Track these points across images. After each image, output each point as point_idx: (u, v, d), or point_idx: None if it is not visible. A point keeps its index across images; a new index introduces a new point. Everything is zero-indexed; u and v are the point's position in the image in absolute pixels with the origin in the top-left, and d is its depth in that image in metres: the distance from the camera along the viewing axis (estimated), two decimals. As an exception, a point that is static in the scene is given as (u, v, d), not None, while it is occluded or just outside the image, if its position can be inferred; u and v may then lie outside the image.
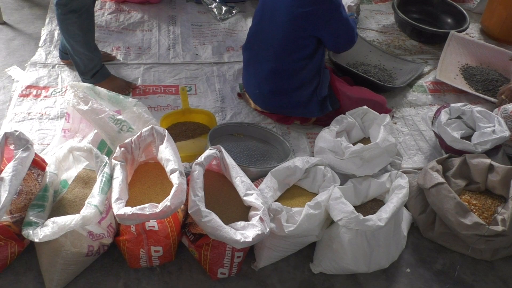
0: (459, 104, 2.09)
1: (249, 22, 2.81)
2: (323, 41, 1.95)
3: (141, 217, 1.32)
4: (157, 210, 1.32)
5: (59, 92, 2.19)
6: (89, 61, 2.11)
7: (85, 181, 1.61)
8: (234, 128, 2.03)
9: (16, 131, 1.52)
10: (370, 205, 1.75)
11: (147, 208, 1.33)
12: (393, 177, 1.74)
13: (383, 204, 1.74)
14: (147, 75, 2.35)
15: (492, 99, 2.37)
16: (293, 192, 1.74)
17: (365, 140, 2.00)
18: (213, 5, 2.87)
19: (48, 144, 1.91)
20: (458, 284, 1.66)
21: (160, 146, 1.54)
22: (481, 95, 2.41)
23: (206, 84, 2.34)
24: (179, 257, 1.59)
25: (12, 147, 1.54)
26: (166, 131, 1.57)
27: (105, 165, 1.50)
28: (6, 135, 1.52)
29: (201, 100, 2.24)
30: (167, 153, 1.49)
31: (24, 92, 2.17)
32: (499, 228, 1.62)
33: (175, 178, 1.42)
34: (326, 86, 2.05)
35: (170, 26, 2.73)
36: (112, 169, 1.51)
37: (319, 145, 1.86)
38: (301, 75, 1.99)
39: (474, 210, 1.75)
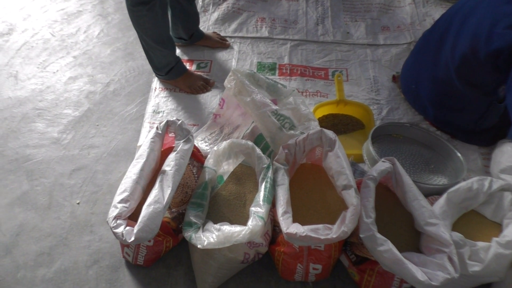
0: None
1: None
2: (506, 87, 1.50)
3: (314, 241, 1.17)
4: (334, 236, 1.16)
5: (204, 67, 2.09)
6: (163, 57, 1.90)
7: (238, 177, 1.50)
8: (394, 128, 1.78)
9: (178, 119, 1.43)
10: None
11: (321, 231, 1.18)
12: None
13: None
14: (294, 54, 2.16)
15: None
16: (470, 219, 1.48)
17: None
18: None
19: (194, 125, 1.83)
20: None
21: (330, 154, 1.36)
22: None
23: (359, 69, 2.09)
24: (334, 275, 1.44)
25: (171, 135, 1.46)
26: (336, 135, 1.39)
27: (268, 167, 1.36)
28: (168, 123, 1.44)
29: (353, 88, 2.00)
30: (338, 164, 1.32)
31: (170, 64, 2.10)
32: None
33: (351, 198, 1.24)
34: (493, 119, 1.69)
35: (318, -4, 2.49)
36: (274, 172, 1.37)
37: (508, 164, 1.55)
38: (465, 99, 1.64)
39: None
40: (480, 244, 1.33)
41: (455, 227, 1.45)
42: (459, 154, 1.68)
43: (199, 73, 2.05)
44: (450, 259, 1.19)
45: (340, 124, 1.84)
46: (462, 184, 1.47)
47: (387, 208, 1.42)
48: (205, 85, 1.99)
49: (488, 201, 1.48)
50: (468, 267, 1.28)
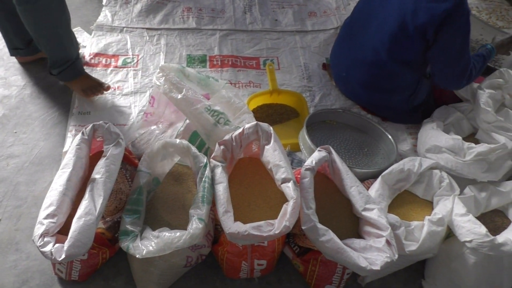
0: None
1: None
2: (429, 58, 1.62)
3: (257, 238, 1.15)
4: (277, 232, 1.15)
5: (130, 62, 1.98)
6: (59, 55, 1.69)
7: (176, 177, 1.44)
8: (328, 115, 1.80)
9: (106, 122, 1.34)
10: (490, 217, 1.54)
11: (263, 227, 1.17)
12: (519, 187, 1.52)
13: (504, 215, 1.55)
14: (224, 44, 2.11)
15: None
16: (403, 198, 1.54)
17: (472, 138, 1.76)
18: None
19: (124, 125, 1.73)
20: None
21: (266, 147, 1.34)
22: None
23: (290, 57, 2.09)
24: (279, 267, 1.44)
25: (99, 139, 1.37)
26: (271, 129, 1.37)
27: (205, 166, 1.32)
28: (95, 127, 1.34)
29: (285, 77, 2.00)
30: (276, 157, 1.30)
31: (92, 61, 1.97)
32: None
33: (290, 190, 1.23)
34: (422, 95, 1.77)
35: (244, -17, 2.44)
36: (212, 170, 1.33)
37: (432, 143, 1.62)
38: (397, 79, 1.70)
39: None
40: (415, 223, 1.39)
41: (390, 208, 1.49)
42: (390, 136, 1.73)
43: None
44: (388, 243, 1.23)
45: (275, 114, 1.83)
46: (395, 166, 1.52)
47: (327, 196, 1.44)
48: (98, 89, 1.82)
49: (419, 180, 1.55)
50: (405, 247, 1.33)
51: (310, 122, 1.74)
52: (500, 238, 1.32)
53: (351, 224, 1.39)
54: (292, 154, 1.70)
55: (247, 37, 2.15)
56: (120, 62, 1.99)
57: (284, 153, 1.34)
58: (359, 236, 1.36)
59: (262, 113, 1.82)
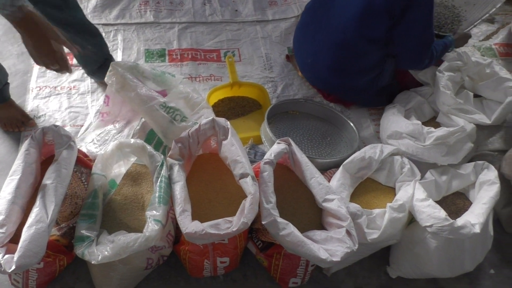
0: (544, 75, 1.83)
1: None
2: (395, 37, 1.62)
3: (215, 237, 1.13)
4: (234, 229, 1.13)
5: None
6: None
7: (134, 177, 1.41)
8: (290, 105, 1.79)
9: (56, 125, 1.29)
10: (451, 200, 1.55)
11: (221, 225, 1.14)
12: (478, 168, 1.54)
13: (465, 197, 1.57)
14: (183, 37, 2.07)
15: None
16: (366, 186, 1.54)
17: (433, 122, 1.77)
18: None
19: (82, 126, 1.68)
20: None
21: (224, 143, 1.32)
22: None
23: (251, 48, 2.06)
24: (243, 263, 1.43)
25: (50, 143, 1.32)
26: (228, 123, 1.34)
27: (161, 165, 1.29)
28: (44, 130, 1.29)
29: (247, 68, 1.97)
30: (233, 153, 1.28)
31: (47, 60, 1.90)
32: None
33: (248, 185, 1.21)
34: (388, 76, 1.77)
35: (202, -26, 2.38)
36: (169, 169, 1.30)
37: (393, 129, 1.63)
38: (364, 59, 1.69)
39: None
40: (376, 211, 1.39)
41: (353, 197, 1.49)
42: (352, 124, 1.73)
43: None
44: (348, 233, 1.22)
45: (237, 107, 1.80)
46: (356, 155, 1.52)
47: (289, 188, 1.43)
48: (22, 122, 1.68)
49: (381, 167, 1.55)
50: (367, 236, 1.33)
51: (272, 114, 1.73)
52: (460, 221, 1.34)
53: (315, 216, 1.38)
54: (256, 147, 1.68)
55: (207, 29, 2.11)
56: (75, 61, 1.92)
57: (242, 147, 1.32)
58: (323, 227, 1.36)
59: (224, 107, 1.79)
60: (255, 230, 1.39)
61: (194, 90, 1.58)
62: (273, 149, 1.36)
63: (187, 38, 2.06)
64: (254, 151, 1.66)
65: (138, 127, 1.46)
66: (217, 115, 1.75)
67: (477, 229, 1.32)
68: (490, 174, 1.50)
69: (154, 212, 1.18)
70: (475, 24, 1.96)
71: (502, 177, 1.63)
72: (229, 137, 1.31)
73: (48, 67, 1.23)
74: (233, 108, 1.79)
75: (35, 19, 1.13)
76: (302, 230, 1.28)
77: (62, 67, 1.23)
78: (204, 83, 1.89)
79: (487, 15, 1.94)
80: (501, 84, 1.76)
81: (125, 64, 1.45)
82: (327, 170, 1.57)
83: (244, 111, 1.80)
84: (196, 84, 1.87)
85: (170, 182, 1.27)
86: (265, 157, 1.34)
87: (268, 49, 2.06)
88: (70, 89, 1.81)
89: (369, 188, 1.53)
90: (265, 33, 2.13)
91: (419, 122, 1.61)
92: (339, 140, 1.72)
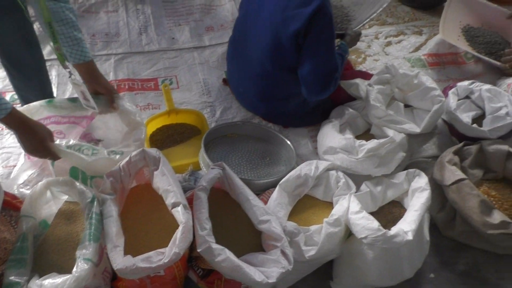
0: (466, 83, 1.94)
1: (227, -6, 2.51)
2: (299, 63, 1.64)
3: (147, 271, 1.12)
4: (166, 260, 1.12)
5: (17, 99, 1.88)
6: None
7: (67, 216, 1.38)
8: (228, 128, 1.80)
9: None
10: (388, 209, 1.60)
11: (153, 258, 1.13)
12: (410, 176, 1.59)
13: (401, 206, 1.62)
14: (120, 68, 2.07)
15: (497, 63, 2.19)
16: (304, 203, 1.56)
17: (368, 135, 1.83)
18: (184, -24, 2.54)
19: (15, 166, 1.64)
20: (483, 284, 1.57)
21: (155, 173, 1.32)
22: (486, 58, 2.22)
23: (188, 74, 2.08)
24: (186, 292, 1.42)
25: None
26: (160, 153, 1.34)
27: (92, 201, 1.27)
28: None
29: (185, 94, 1.99)
30: (165, 182, 1.28)
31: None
32: (527, 224, 1.51)
33: (179, 215, 1.21)
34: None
35: (138, 4, 2.40)
36: (101, 204, 1.29)
37: (328, 145, 1.67)
38: (287, 86, 1.73)
39: (494, 202, 1.63)
40: (313, 228, 1.41)
41: (292, 215, 1.52)
42: (288, 142, 1.76)
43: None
44: (283, 253, 1.24)
45: (176, 134, 1.81)
46: (292, 173, 1.54)
47: (227, 212, 1.43)
48: None
49: (318, 183, 1.58)
50: (305, 253, 1.35)
51: (210, 138, 1.74)
52: (393, 229, 1.38)
53: (254, 238, 1.39)
54: (196, 173, 1.68)
55: (143, 59, 2.12)
56: (8, 98, 1.89)
57: (174, 176, 1.32)
58: (263, 249, 1.37)
59: (162, 135, 1.79)
60: (194, 258, 1.38)
61: (131, 106, 1.52)
62: (207, 175, 1.37)
63: (123, 69, 2.06)
64: (194, 177, 1.66)
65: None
66: (156, 144, 1.76)
67: (410, 236, 1.36)
68: (421, 181, 1.56)
69: (84, 250, 1.16)
70: (364, 23, 1.99)
71: (435, 183, 1.70)
72: (160, 167, 1.31)
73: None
74: (171, 135, 1.79)
75: (26, 122, 1.25)
76: (241, 253, 1.29)
77: (50, 159, 1.36)
78: (142, 113, 1.89)
79: (374, 14, 1.99)
80: (428, 94, 1.84)
81: (35, 105, 1.44)
82: (265, 190, 1.58)
83: (183, 137, 1.80)
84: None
85: (102, 217, 1.26)
86: (198, 184, 1.35)
87: (205, 74, 2.08)
88: (2, 129, 1.77)
89: (307, 205, 1.56)
90: (202, 58, 2.16)
91: (351, 136, 1.66)
92: (278, 159, 1.75)
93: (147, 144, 1.73)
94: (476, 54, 2.25)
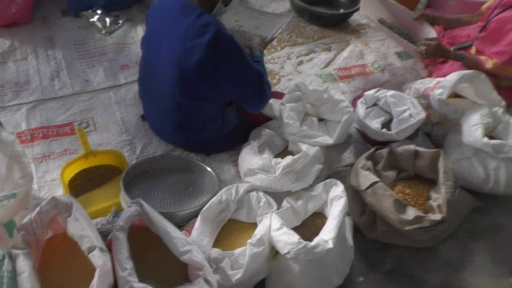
0: (372, 92, 2.07)
1: (139, 31, 2.53)
2: (226, 92, 1.73)
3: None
4: (83, 309, 1.10)
5: None
6: None
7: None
8: (148, 164, 1.80)
9: None
10: (311, 221, 1.66)
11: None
12: (328, 186, 1.67)
13: (323, 216, 1.68)
14: (32, 117, 2.01)
15: (414, 46, 2.26)
16: (229, 228, 1.59)
17: (286, 152, 1.90)
18: (95, 17, 2.53)
19: None
20: (409, 279, 1.65)
21: (69, 220, 1.29)
22: (405, 40, 2.31)
23: (105, 114, 2.06)
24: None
25: None
26: (72, 198, 1.32)
27: (2, 259, 1.22)
28: None
29: (103, 135, 1.97)
30: (78, 228, 1.26)
31: None
32: (438, 216, 1.61)
33: (95, 258, 1.20)
34: (232, 122, 1.88)
35: (48, 50, 2.36)
36: (15, 261, 1.24)
37: (246, 167, 1.71)
38: (202, 115, 1.77)
39: (409, 199, 1.74)
40: (238, 250, 1.43)
41: (218, 241, 1.53)
42: (209, 169, 1.79)
43: None
44: (206, 280, 1.25)
45: (96, 176, 1.78)
46: (213, 200, 1.57)
47: (151, 248, 1.43)
48: None
49: (240, 206, 1.61)
50: (231, 277, 1.37)
51: (131, 176, 1.73)
52: (314, 241, 1.43)
53: (181, 270, 1.39)
54: (119, 214, 1.65)
55: (57, 104, 2.08)
56: None
57: (88, 220, 1.31)
58: (190, 280, 1.37)
59: (81, 180, 1.75)
60: (121, 299, 1.35)
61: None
62: (123, 214, 1.37)
63: (36, 117, 2.01)
64: (118, 218, 1.64)
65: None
66: (75, 190, 1.73)
67: (330, 245, 1.42)
68: (338, 189, 1.63)
69: (-5, 313, 1.11)
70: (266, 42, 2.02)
71: (353, 189, 1.78)
72: (72, 213, 1.29)
73: None
74: (91, 179, 1.76)
75: None
76: (170, 286, 1.29)
77: None
78: (59, 159, 1.85)
79: (275, 35, 2.09)
80: (337, 106, 1.95)
81: None
82: (190, 220, 1.59)
83: (104, 179, 1.78)
84: (50, 162, 1.82)
85: (15, 275, 1.21)
86: (116, 223, 1.34)
87: (123, 112, 2.08)
88: None
89: (232, 229, 1.58)
90: (119, 97, 2.15)
91: (267, 156, 1.71)
92: (201, 188, 1.77)
93: (66, 191, 1.69)
94: (396, 36, 2.35)
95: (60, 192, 1.71)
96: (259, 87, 1.72)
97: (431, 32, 2.37)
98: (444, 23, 2.49)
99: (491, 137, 1.87)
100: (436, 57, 2.26)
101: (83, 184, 1.75)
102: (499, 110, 1.96)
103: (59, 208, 1.32)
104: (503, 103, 2.01)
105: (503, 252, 1.66)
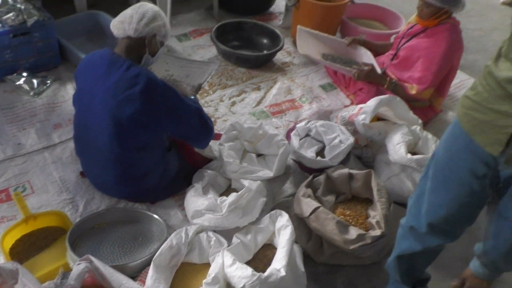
0: (303, 124, 2.20)
1: (69, 89, 2.52)
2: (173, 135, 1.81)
3: None
4: None
5: None
6: None
7: None
8: (93, 220, 1.78)
9: None
10: (262, 253, 1.71)
11: None
12: (273, 217, 1.74)
13: (273, 247, 1.74)
14: (-38, 189, 1.93)
15: (347, 68, 2.52)
16: (183, 271, 1.60)
17: (230, 189, 1.96)
18: (21, 80, 2.50)
19: None
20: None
21: (16, 287, 1.25)
22: (337, 65, 2.55)
23: (42, 176, 2.01)
24: None
25: None
26: (17, 264, 1.29)
27: None
28: None
29: (42, 197, 1.92)
30: (27, 294, 1.22)
31: None
32: (378, 232, 1.72)
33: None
34: (174, 167, 1.92)
35: (-27, 117, 2.29)
36: None
37: (193, 209, 1.75)
38: (143, 164, 1.80)
39: (350, 220, 1.85)
40: (194, 293, 1.45)
41: (173, 287, 1.53)
42: (156, 217, 1.80)
43: None
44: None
45: (39, 240, 1.72)
46: (163, 246, 1.58)
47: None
48: None
49: (191, 248, 1.64)
50: (191, 320, 1.37)
51: (77, 235, 1.70)
52: (267, 271, 1.48)
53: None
54: (68, 275, 1.61)
55: (-11, 172, 2.01)
56: None
57: (37, 284, 1.28)
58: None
59: (24, 245, 1.69)
60: None
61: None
62: (72, 273, 1.35)
63: (-34, 189, 1.93)
64: (66, 280, 1.59)
65: None
66: (18, 257, 1.66)
67: (283, 272, 1.48)
68: (283, 219, 1.70)
69: None
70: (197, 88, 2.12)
71: (298, 217, 1.87)
72: (19, 279, 1.26)
73: None
74: (34, 243, 1.71)
75: None
76: None
77: None
78: (-3, 228, 1.77)
79: (206, 82, 2.21)
80: (273, 140, 2.06)
81: None
82: (143, 270, 1.58)
83: (48, 242, 1.73)
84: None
85: None
86: (66, 284, 1.31)
87: (60, 172, 2.04)
88: None
89: (186, 272, 1.60)
90: (55, 157, 2.12)
91: (212, 196, 1.76)
92: (151, 237, 1.77)
93: (8, 259, 1.62)
94: (330, 63, 2.59)
95: (1, 261, 1.64)
96: (201, 121, 1.79)
97: (366, 54, 2.60)
98: (373, 48, 2.69)
99: (413, 153, 2.05)
100: (369, 81, 2.44)
101: (25, 249, 1.69)
102: (417, 128, 2.15)
103: (3, 276, 1.27)
104: (420, 121, 2.22)
105: (442, 258, 1.80)
